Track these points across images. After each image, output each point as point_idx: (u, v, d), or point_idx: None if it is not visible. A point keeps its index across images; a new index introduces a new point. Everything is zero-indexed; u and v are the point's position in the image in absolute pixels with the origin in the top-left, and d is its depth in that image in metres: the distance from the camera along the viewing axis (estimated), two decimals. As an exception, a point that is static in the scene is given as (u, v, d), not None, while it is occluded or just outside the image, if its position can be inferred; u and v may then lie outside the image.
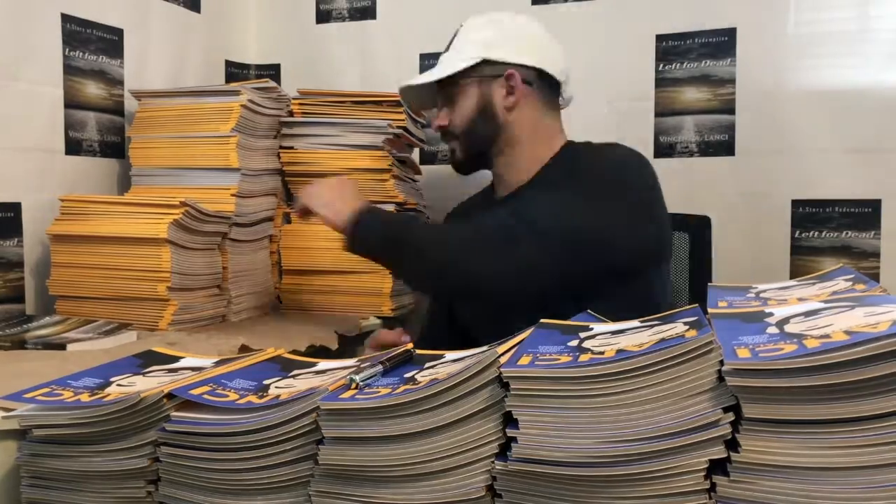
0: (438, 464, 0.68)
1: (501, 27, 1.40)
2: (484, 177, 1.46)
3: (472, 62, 1.35)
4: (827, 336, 0.61)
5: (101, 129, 1.69)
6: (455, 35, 1.41)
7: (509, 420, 0.68)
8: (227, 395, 0.77)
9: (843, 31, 1.71)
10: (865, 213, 1.71)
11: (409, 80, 1.42)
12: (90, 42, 1.65)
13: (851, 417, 0.58)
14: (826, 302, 0.74)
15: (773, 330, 0.67)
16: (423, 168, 1.94)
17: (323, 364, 0.90)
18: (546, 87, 1.39)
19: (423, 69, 2.04)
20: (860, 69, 1.70)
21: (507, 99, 1.35)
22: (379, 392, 0.71)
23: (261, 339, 1.31)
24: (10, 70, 1.47)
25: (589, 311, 0.97)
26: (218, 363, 0.91)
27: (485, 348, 0.78)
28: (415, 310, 1.83)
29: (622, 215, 1.22)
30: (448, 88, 1.38)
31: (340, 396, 0.71)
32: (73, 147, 1.62)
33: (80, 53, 1.62)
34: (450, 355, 0.83)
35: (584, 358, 0.67)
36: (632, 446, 0.63)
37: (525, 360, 0.69)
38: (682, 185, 1.75)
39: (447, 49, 1.41)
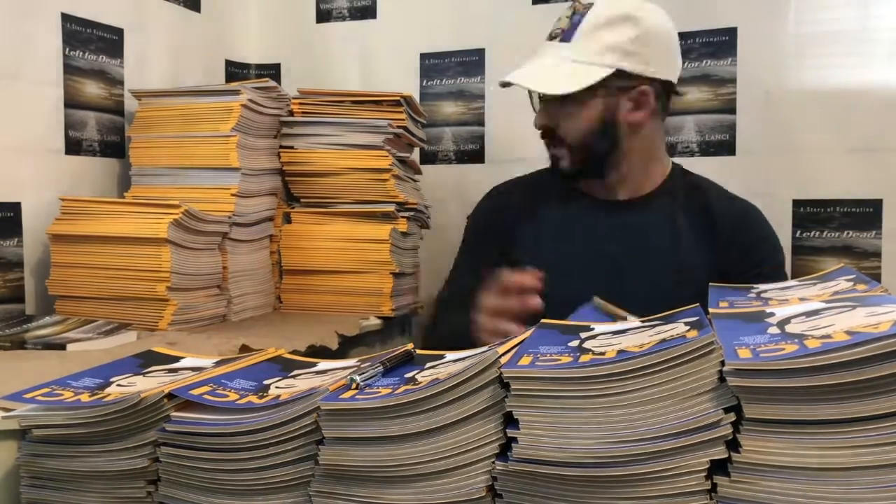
0: (439, 464, 0.68)
1: (641, 28, 1.21)
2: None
3: (603, 74, 1.20)
4: (828, 336, 0.61)
5: (101, 128, 1.68)
6: (576, 17, 1.22)
7: (510, 420, 0.67)
8: (227, 396, 0.77)
9: (844, 31, 1.71)
10: (866, 213, 1.71)
11: (521, 81, 1.24)
12: (90, 42, 1.65)
13: (852, 418, 0.58)
14: (827, 302, 0.74)
15: (774, 330, 0.67)
16: (423, 168, 1.94)
17: (323, 364, 0.90)
18: (667, 98, 1.29)
19: (423, 69, 2.04)
20: (861, 69, 1.69)
21: (633, 114, 1.24)
22: (379, 392, 0.71)
23: (261, 339, 1.31)
24: (11, 70, 1.47)
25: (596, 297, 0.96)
26: (218, 363, 0.91)
27: (485, 348, 0.78)
28: (416, 310, 1.83)
29: None
30: (568, 94, 1.23)
31: (341, 396, 0.71)
32: (73, 147, 1.62)
33: (80, 53, 1.62)
34: (451, 355, 0.83)
35: (584, 358, 0.67)
36: (633, 447, 0.63)
37: (526, 360, 0.69)
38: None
39: (564, 34, 1.22)
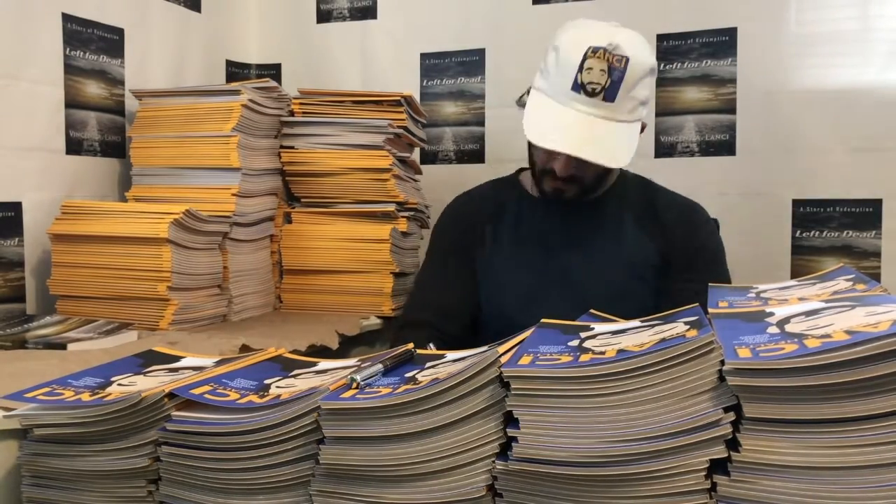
0: (439, 463, 0.68)
1: (654, 76, 1.28)
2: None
3: (639, 130, 1.26)
4: (828, 336, 0.61)
5: (102, 128, 1.68)
6: (614, 73, 1.19)
7: (510, 420, 0.68)
8: (227, 395, 0.77)
9: (843, 31, 1.71)
10: (866, 213, 1.71)
11: (584, 154, 1.20)
12: (91, 42, 1.65)
13: (852, 417, 0.58)
14: (827, 302, 0.74)
15: (773, 330, 0.67)
16: (423, 168, 1.93)
17: (323, 364, 0.90)
18: None
19: (423, 69, 2.04)
20: (861, 68, 1.70)
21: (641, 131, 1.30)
22: (380, 392, 0.71)
23: (261, 338, 1.31)
24: (11, 70, 1.47)
25: (592, 310, 0.97)
26: (219, 363, 0.92)
27: (485, 348, 0.78)
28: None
29: None
30: None
31: (341, 396, 0.71)
32: (74, 147, 1.62)
33: (81, 53, 1.62)
34: (451, 355, 0.83)
35: (584, 358, 0.67)
36: (632, 446, 0.63)
37: (526, 359, 0.69)
38: (683, 184, 1.74)
39: (606, 93, 1.20)
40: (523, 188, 1.45)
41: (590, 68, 1.20)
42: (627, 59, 1.19)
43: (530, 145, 1.34)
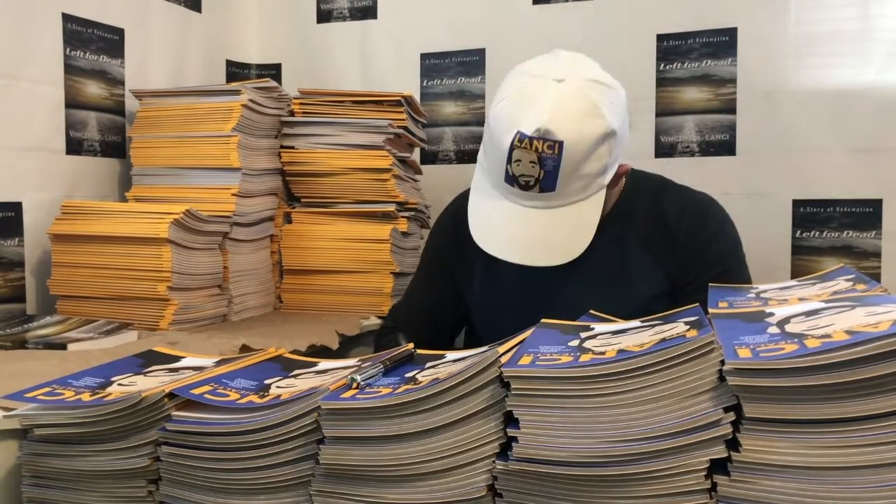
0: (439, 463, 0.68)
1: (614, 134, 1.10)
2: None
3: (601, 200, 1.12)
4: (828, 336, 0.61)
5: (102, 128, 1.69)
6: (548, 160, 1.06)
7: (510, 420, 0.68)
8: (228, 395, 0.77)
9: (843, 31, 1.71)
10: (866, 213, 1.71)
11: (537, 261, 1.11)
12: (91, 42, 1.65)
13: (852, 417, 0.58)
14: (827, 302, 0.74)
15: (773, 330, 0.67)
16: (423, 168, 1.93)
17: (324, 364, 0.90)
18: None
19: (423, 69, 2.04)
20: (861, 69, 1.69)
21: (614, 189, 1.19)
22: (380, 392, 0.71)
23: (261, 338, 1.31)
24: (12, 70, 1.47)
25: (592, 311, 0.96)
26: (219, 363, 0.92)
27: (485, 348, 0.78)
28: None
29: None
30: None
31: (341, 396, 0.71)
32: (74, 147, 1.62)
33: (81, 53, 1.62)
34: (451, 355, 0.83)
35: (584, 358, 0.67)
36: (633, 446, 0.63)
37: (526, 359, 0.69)
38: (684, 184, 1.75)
39: (541, 184, 1.08)
40: None
41: (518, 160, 1.07)
42: (560, 145, 1.04)
43: None
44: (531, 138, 1.05)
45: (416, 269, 1.45)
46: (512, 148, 1.06)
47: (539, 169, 1.07)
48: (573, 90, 1.08)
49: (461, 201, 1.32)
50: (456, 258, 1.30)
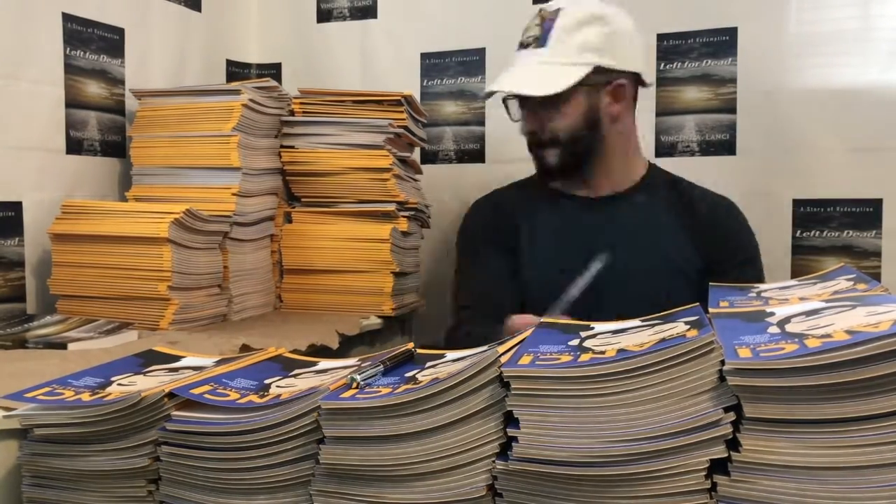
0: (439, 463, 0.68)
1: (610, 26, 1.31)
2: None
3: (585, 72, 1.30)
4: (828, 336, 0.61)
5: (102, 128, 1.68)
6: (546, 24, 1.32)
7: (510, 419, 0.68)
8: (228, 395, 0.77)
9: (844, 31, 1.71)
10: (867, 213, 1.71)
11: (513, 88, 1.34)
12: (91, 41, 1.65)
13: (853, 417, 0.58)
14: (827, 301, 0.74)
15: (774, 329, 0.67)
16: (424, 167, 1.93)
17: (324, 363, 0.90)
18: (636, 92, 1.40)
19: (423, 69, 2.04)
20: (861, 68, 1.69)
21: (612, 107, 1.33)
22: (380, 391, 0.71)
23: (262, 338, 1.31)
24: (11, 69, 1.47)
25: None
26: (219, 362, 0.92)
27: (485, 348, 0.78)
28: (417, 309, 1.83)
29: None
30: (554, 94, 1.31)
31: (341, 396, 0.71)
32: (74, 146, 1.62)
33: (81, 53, 1.62)
34: (451, 355, 0.83)
35: (584, 357, 0.67)
36: (632, 446, 0.63)
37: (526, 359, 0.69)
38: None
39: (539, 41, 1.32)
40: (549, 187, 1.44)
41: (527, 27, 1.34)
42: (559, 9, 1.30)
43: None
44: (542, 7, 1.34)
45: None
46: (530, 20, 1.34)
47: (540, 29, 1.31)
48: None
49: (492, 197, 1.53)
50: (502, 230, 1.44)
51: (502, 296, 1.38)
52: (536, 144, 1.39)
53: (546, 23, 1.31)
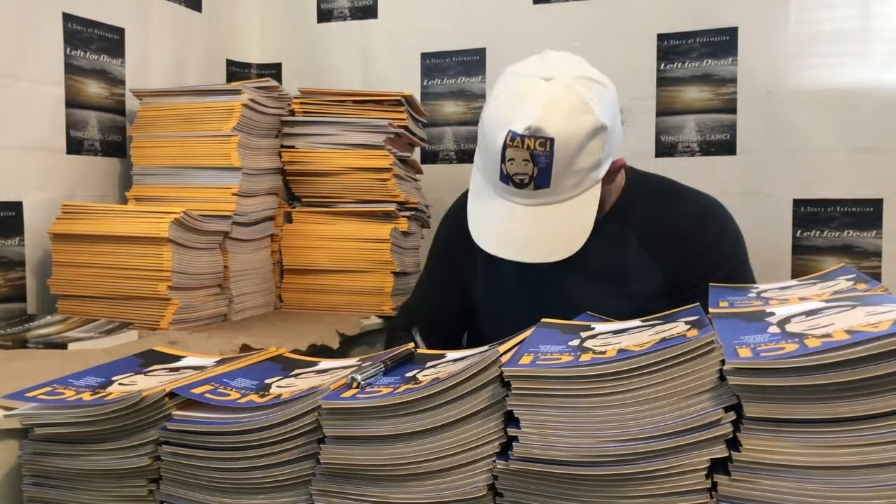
0: (440, 463, 0.68)
1: (606, 128, 1.10)
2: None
3: (596, 192, 1.13)
4: (828, 335, 0.61)
5: (103, 128, 1.69)
6: (539, 158, 1.07)
7: (511, 419, 0.68)
8: (228, 394, 0.77)
9: (844, 30, 1.71)
10: (867, 213, 1.71)
11: (543, 257, 1.12)
12: (91, 41, 1.65)
13: (852, 416, 0.59)
14: (827, 301, 0.74)
15: (774, 329, 0.67)
16: (424, 167, 1.93)
17: (324, 363, 0.90)
18: None
19: (424, 69, 2.04)
20: (862, 68, 1.69)
21: (611, 181, 1.18)
22: (380, 391, 0.71)
23: (262, 338, 1.31)
24: (12, 69, 1.47)
25: (589, 311, 0.96)
26: (219, 362, 0.92)
27: (485, 348, 0.78)
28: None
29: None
30: None
31: (342, 396, 0.71)
32: (75, 146, 1.62)
33: (82, 53, 1.62)
34: (451, 355, 0.83)
35: (585, 357, 0.67)
36: (633, 445, 0.63)
37: (526, 359, 0.69)
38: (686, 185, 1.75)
39: (536, 181, 1.09)
40: None
41: (511, 159, 1.08)
42: (552, 141, 1.06)
43: None
44: (523, 136, 1.06)
45: (422, 268, 1.45)
46: (505, 147, 1.07)
47: (532, 166, 1.08)
48: (562, 87, 1.09)
49: (463, 199, 1.31)
50: (460, 255, 1.31)
51: (439, 313, 1.33)
52: None
53: (538, 159, 1.07)
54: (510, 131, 1.06)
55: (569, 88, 1.09)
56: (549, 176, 1.08)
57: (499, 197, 1.14)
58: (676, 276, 1.21)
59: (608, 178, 1.16)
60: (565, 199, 1.12)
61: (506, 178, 1.10)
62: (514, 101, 1.10)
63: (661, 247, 1.23)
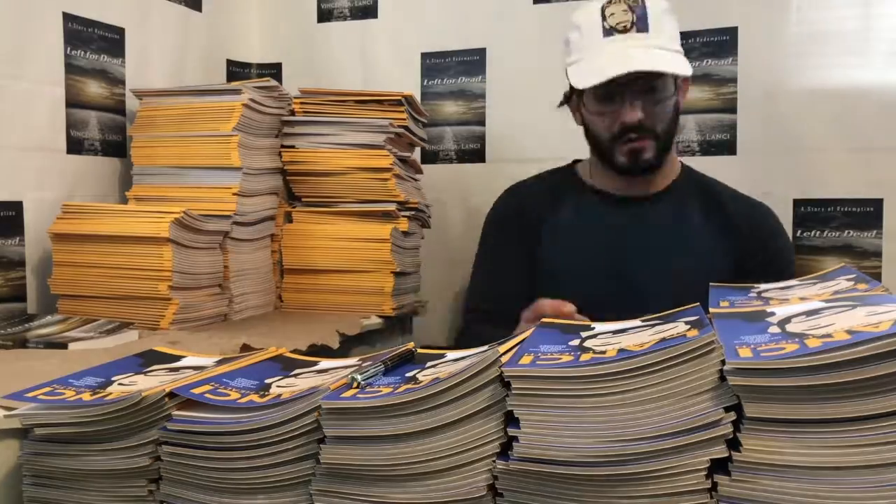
0: (440, 463, 0.68)
1: (673, 14, 1.30)
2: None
3: (684, 63, 1.27)
4: (828, 335, 0.61)
5: (103, 128, 1.69)
6: (637, 9, 1.25)
7: (511, 419, 0.68)
8: (228, 394, 0.77)
9: (844, 30, 1.71)
10: (867, 213, 1.71)
11: (655, 66, 1.23)
12: (91, 41, 1.65)
13: (853, 417, 0.58)
14: (827, 301, 0.74)
15: (774, 329, 0.67)
16: (424, 167, 1.93)
17: (324, 363, 0.90)
18: None
19: (424, 68, 2.04)
20: (862, 68, 1.69)
21: (683, 90, 1.32)
22: (380, 391, 0.71)
23: (262, 338, 1.31)
24: (12, 69, 1.47)
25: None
26: (219, 362, 0.92)
27: (485, 348, 0.78)
28: (417, 309, 1.83)
29: None
30: (659, 82, 1.27)
31: (342, 395, 0.71)
32: (75, 146, 1.62)
33: (82, 52, 1.62)
34: (451, 354, 0.83)
35: (585, 357, 0.67)
36: (633, 445, 0.63)
37: (526, 359, 0.69)
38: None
39: (637, 26, 1.25)
40: (581, 181, 1.42)
41: (612, 13, 1.24)
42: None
43: (587, 129, 1.35)
44: None
45: (476, 260, 1.48)
46: (603, 9, 1.24)
47: (631, 14, 1.23)
48: None
49: (508, 193, 1.48)
50: (523, 226, 1.40)
51: (513, 296, 1.32)
52: (637, 136, 1.29)
53: (636, 8, 1.24)
54: None
55: None
56: (647, 20, 1.23)
57: (603, 50, 1.26)
58: (741, 261, 1.30)
59: (683, 89, 1.30)
60: (664, 47, 1.24)
61: (609, 31, 1.24)
62: None
63: (723, 231, 1.32)
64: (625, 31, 1.24)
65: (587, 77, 1.25)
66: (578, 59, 1.29)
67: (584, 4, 1.31)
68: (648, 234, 1.31)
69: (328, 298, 1.71)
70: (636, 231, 1.30)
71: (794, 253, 1.38)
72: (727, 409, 0.62)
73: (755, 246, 1.29)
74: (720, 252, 1.30)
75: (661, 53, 1.24)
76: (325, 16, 2.14)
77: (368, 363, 0.79)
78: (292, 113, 1.76)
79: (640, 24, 1.23)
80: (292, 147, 1.74)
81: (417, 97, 1.89)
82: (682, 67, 1.25)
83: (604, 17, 1.24)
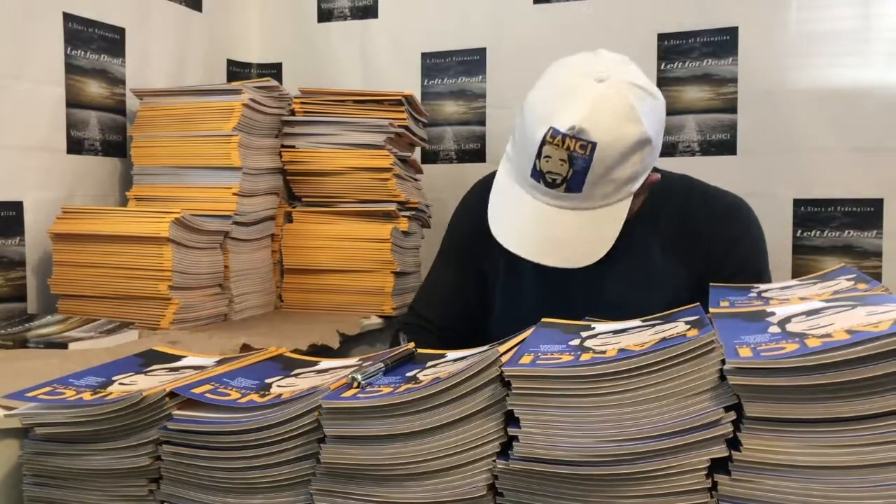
0: (440, 462, 0.68)
1: (651, 142, 1.08)
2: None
3: (626, 205, 1.09)
4: (828, 335, 0.61)
5: (103, 128, 1.69)
6: (576, 162, 1.03)
7: (511, 419, 0.68)
8: (228, 394, 0.77)
9: (845, 30, 1.71)
10: (867, 213, 1.71)
11: (558, 262, 1.09)
12: (92, 41, 1.65)
13: (852, 416, 0.58)
14: (828, 301, 0.74)
15: (774, 329, 0.67)
16: (424, 167, 1.94)
17: (324, 363, 0.90)
18: None
19: (424, 68, 2.04)
20: (862, 68, 1.69)
21: (640, 192, 1.13)
22: (380, 391, 0.71)
23: (262, 337, 1.31)
24: (13, 69, 1.47)
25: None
26: (220, 362, 0.92)
27: (486, 347, 0.78)
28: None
29: None
30: None
31: (342, 395, 0.71)
32: (75, 146, 1.62)
33: (82, 52, 1.62)
34: (451, 354, 0.83)
35: (585, 357, 0.67)
36: (633, 445, 0.63)
37: (527, 359, 0.69)
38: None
39: (569, 184, 1.05)
40: None
41: (548, 156, 1.04)
42: (594, 146, 1.01)
43: None
44: (564, 135, 1.01)
45: (436, 257, 1.39)
46: (543, 143, 1.03)
47: (568, 168, 1.04)
48: (613, 92, 1.04)
49: (482, 191, 1.27)
50: (482, 241, 1.23)
51: (459, 315, 1.28)
52: None
53: (575, 161, 1.03)
54: (552, 128, 1.02)
55: (620, 94, 1.04)
56: (582, 181, 1.04)
57: (526, 193, 1.10)
58: (702, 277, 1.12)
59: (639, 192, 1.12)
60: (594, 207, 1.07)
61: (538, 174, 1.06)
62: (561, 96, 1.05)
63: (687, 247, 1.20)
64: (553, 184, 1.06)
65: (496, 220, 1.13)
66: (510, 167, 1.14)
67: (543, 90, 1.10)
68: (600, 272, 1.13)
69: (328, 298, 1.71)
70: (588, 269, 1.11)
71: (762, 249, 1.23)
72: (727, 409, 0.62)
73: (717, 257, 1.18)
74: (678, 272, 1.19)
75: (579, 225, 1.08)
76: (325, 16, 2.14)
77: (368, 363, 0.79)
78: (292, 113, 1.76)
79: (572, 184, 1.04)
80: (292, 147, 1.74)
81: (417, 97, 1.90)
82: (588, 253, 1.08)
83: (539, 153, 1.04)
